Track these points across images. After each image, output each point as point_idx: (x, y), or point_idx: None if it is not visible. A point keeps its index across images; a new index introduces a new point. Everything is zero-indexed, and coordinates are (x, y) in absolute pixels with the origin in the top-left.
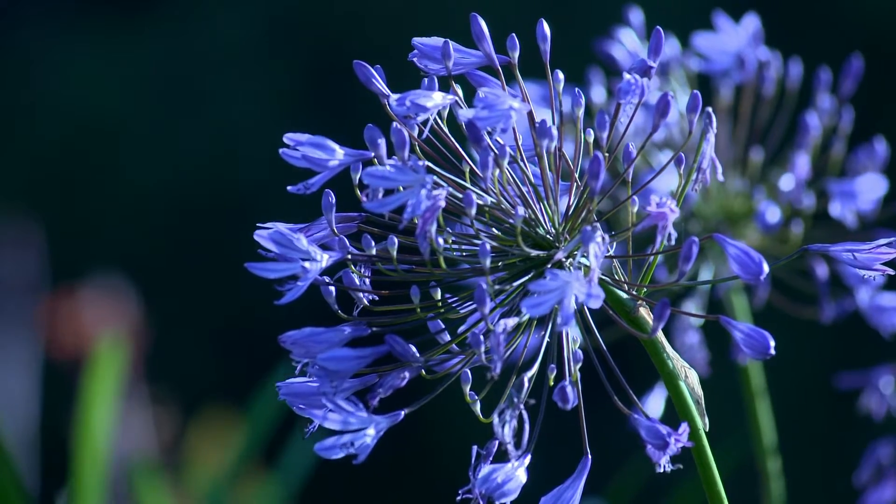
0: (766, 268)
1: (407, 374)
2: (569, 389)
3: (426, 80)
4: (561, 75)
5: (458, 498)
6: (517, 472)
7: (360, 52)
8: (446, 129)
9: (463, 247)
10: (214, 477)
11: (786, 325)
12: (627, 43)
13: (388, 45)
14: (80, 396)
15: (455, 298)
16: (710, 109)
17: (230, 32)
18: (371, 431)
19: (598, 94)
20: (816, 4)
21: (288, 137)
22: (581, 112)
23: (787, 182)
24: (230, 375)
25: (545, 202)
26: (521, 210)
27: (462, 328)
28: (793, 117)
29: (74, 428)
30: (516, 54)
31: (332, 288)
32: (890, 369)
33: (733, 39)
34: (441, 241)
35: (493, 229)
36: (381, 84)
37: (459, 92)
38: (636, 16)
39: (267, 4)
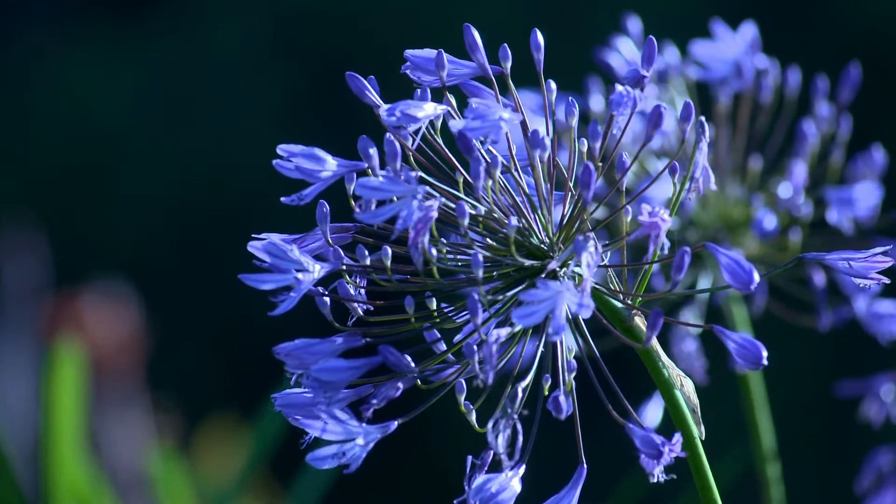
0: (756, 277)
1: (401, 385)
2: (562, 399)
3: (419, 90)
4: (553, 85)
5: None
6: (511, 482)
7: (361, 59)
8: (440, 140)
9: (457, 257)
10: (219, 487)
11: (785, 333)
12: (625, 52)
13: (389, 52)
14: (42, 404)
15: (450, 308)
16: (703, 119)
17: (231, 41)
18: (361, 441)
19: (597, 102)
20: (814, 12)
21: (281, 149)
22: (575, 122)
23: (785, 190)
24: (232, 382)
25: (539, 212)
26: (514, 220)
27: (457, 338)
28: (791, 125)
29: (42, 437)
30: (508, 64)
31: (328, 299)
32: (890, 377)
33: (731, 47)
34: (434, 251)
35: (487, 239)
36: (374, 95)
37: (453, 102)
38: (634, 24)
39: (268, 13)
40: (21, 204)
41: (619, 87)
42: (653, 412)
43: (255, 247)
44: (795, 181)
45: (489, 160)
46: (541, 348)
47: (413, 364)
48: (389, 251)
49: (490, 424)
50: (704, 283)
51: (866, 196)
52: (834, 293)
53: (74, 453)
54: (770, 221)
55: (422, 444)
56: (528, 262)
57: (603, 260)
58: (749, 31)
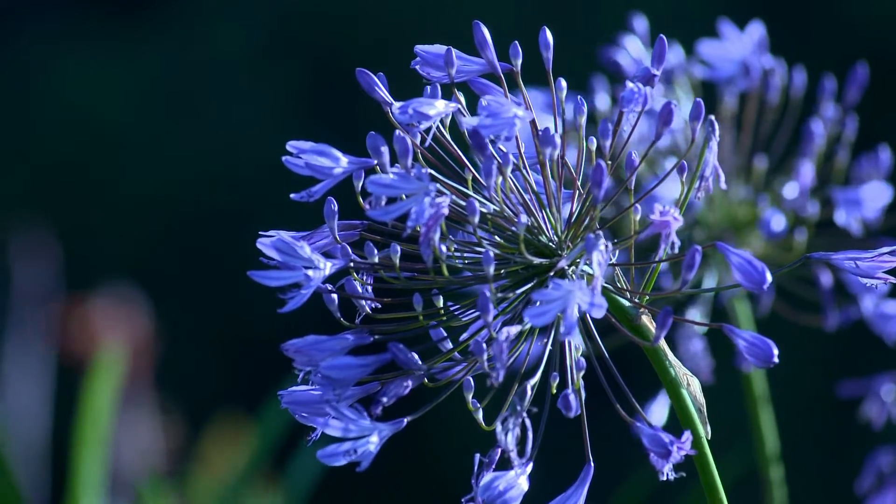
0: (768, 277)
1: (410, 383)
2: (572, 397)
3: (429, 87)
4: (564, 83)
5: None
6: (519, 480)
7: (362, 59)
8: (449, 137)
9: (466, 255)
10: (223, 484)
11: (789, 332)
12: (632, 50)
13: (390, 52)
14: (79, 406)
15: (458, 306)
16: (712, 117)
17: (231, 40)
18: (374, 439)
19: (602, 101)
20: (821, 12)
21: (291, 145)
22: (584, 120)
23: (791, 190)
24: (237, 383)
25: (548, 210)
26: (523, 218)
27: (465, 336)
28: (797, 125)
29: (73, 438)
30: (519, 62)
31: (335, 296)
32: (891, 377)
33: (738, 47)
34: (444, 248)
35: (496, 237)
36: (383, 92)
37: (462, 100)
38: (640, 23)
39: (268, 13)
40: (25, 206)
41: (629, 84)
42: (657, 411)
43: (264, 244)
44: (802, 181)
45: (500, 158)
46: (549, 347)
47: (421, 362)
48: (399, 249)
49: (499, 422)
50: (709, 282)
51: (874, 197)
52: (840, 293)
53: (102, 457)
54: (778, 222)
55: (420, 445)
56: (537, 260)
57: (612, 259)
58: (756, 30)
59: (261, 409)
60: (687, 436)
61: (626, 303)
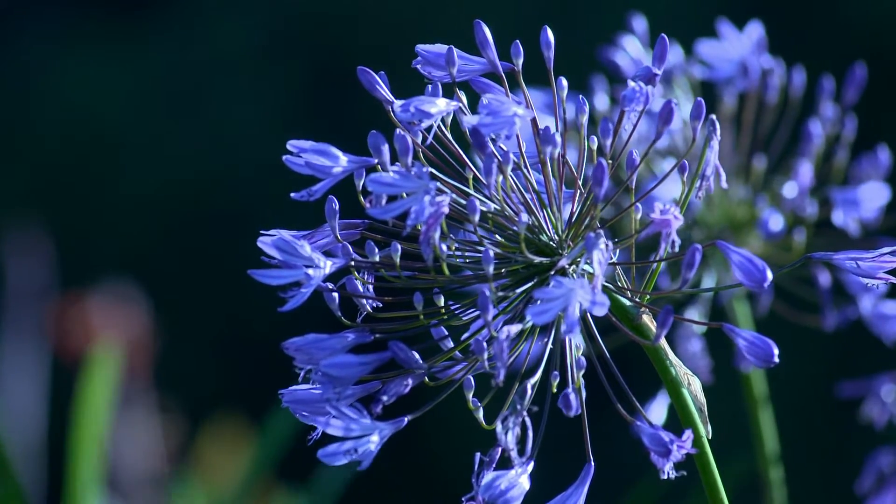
0: (769, 275)
1: (410, 381)
2: (572, 397)
3: (430, 86)
4: (565, 82)
5: None
6: (520, 480)
7: (362, 59)
8: (450, 136)
9: (466, 253)
10: (227, 489)
11: (788, 332)
12: (631, 50)
13: (389, 52)
14: (76, 403)
15: (458, 305)
16: (713, 117)
17: (231, 40)
18: (375, 438)
19: (602, 101)
20: (820, 12)
21: (291, 144)
22: (585, 119)
23: (790, 190)
24: (237, 383)
25: (549, 209)
26: (524, 217)
27: (465, 335)
28: (796, 125)
29: (69, 435)
30: (520, 61)
31: (336, 294)
32: (892, 377)
33: (737, 47)
34: (444, 247)
35: (497, 236)
36: (384, 90)
37: (463, 98)
38: (640, 23)
39: (268, 13)
40: (25, 205)
41: (631, 83)
42: (657, 411)
43: (264, 243)
44: (801, 181)
45: (500, 157)
46: (549, 346)
47: (421, 361)
48: (399, 247)
49: (499, 421)
50: (708, 282)
51: (872, 197)
52: (839, 293)
53: (100, 455)
54: (776, 222)
55: (420, 445)
56: (538, 259)
57: (612, 258)
58: (755, 30)
59: (263, 415)
60: (688, 435)
61: (627, 302)
